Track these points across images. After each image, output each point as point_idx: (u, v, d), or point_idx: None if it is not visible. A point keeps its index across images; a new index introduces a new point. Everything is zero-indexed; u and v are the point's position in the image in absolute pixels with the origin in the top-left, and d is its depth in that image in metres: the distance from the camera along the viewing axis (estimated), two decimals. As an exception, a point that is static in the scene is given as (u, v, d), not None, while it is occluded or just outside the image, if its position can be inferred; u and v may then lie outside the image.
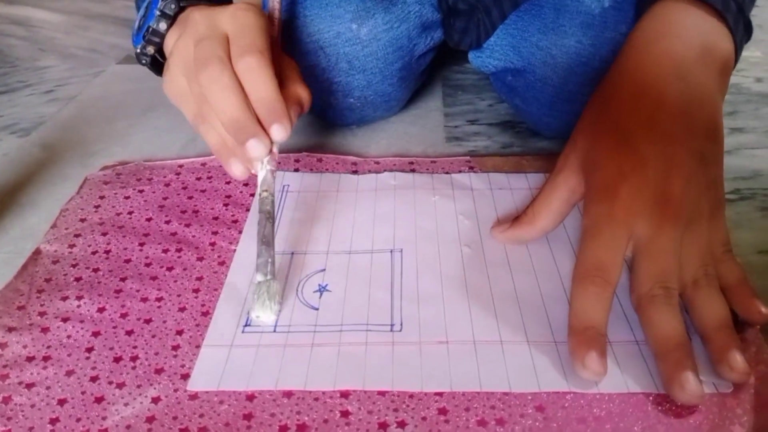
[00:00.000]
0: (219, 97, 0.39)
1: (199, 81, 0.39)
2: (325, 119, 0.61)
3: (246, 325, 0.39)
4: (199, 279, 0.43)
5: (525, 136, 0.60)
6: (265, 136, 0.40)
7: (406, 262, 0.43)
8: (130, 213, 0.49)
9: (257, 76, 0.39)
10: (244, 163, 0.42)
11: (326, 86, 0.56)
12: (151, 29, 0.45)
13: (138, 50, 0.47)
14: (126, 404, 0.34)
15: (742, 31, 0.41)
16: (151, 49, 0.46)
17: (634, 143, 0.37)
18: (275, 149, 0.42)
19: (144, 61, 0.47)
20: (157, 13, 0.44)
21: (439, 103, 0.67)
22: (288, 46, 0.54)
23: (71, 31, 0.93)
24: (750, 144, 0.58)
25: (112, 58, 0.83)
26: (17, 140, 0.63)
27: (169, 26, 0.45)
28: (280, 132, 0.40)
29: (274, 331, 0.38)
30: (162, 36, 0.45)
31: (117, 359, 0.37)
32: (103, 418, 0.33)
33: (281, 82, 0.42)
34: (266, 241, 0.40)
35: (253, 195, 0.51)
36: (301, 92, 0.44)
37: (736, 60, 0.42)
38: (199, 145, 0.60)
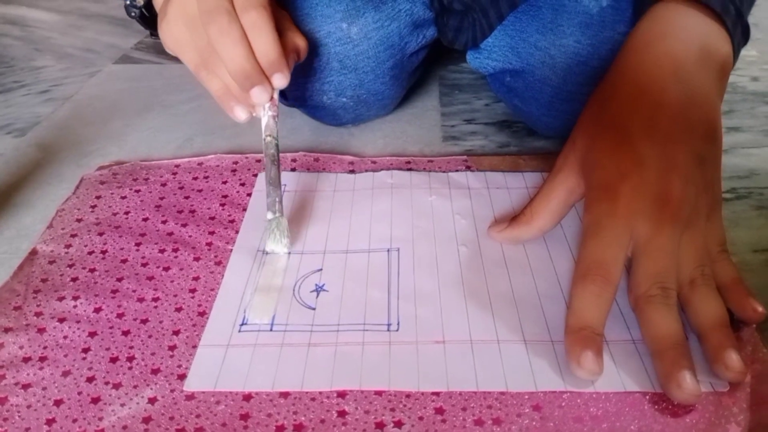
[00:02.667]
0: (229, 49, 0.41)
1: (208, 32, 0.41)
2: (319, 119, 0.61)
3: (242, 324, 0.39)
4: (196, 279, 0.43)
5: (522, 135, 0.60)
6: (268, 84, 0.43)
7: (403, 262, 0.43)
8: (126, 213, 0.49)
9: (260, 31, 0.41)
10: (246, 107, 0.45)
11: (318, 86, 0.55)
12: None
13: (127, 2, 0.47)
14: (122, 405, 0.34)
15: (740, 35, 0.42)
16: (140, 1, 0.47)
17: (633, 143, 0.37)
18: (276, 96, 0.45)
19: (133, 14, 0.48)
20: None
21: (436, 102, 0.67)
22: None
23: (67, 30, 0.93)
24: (746, 143, 0.58)
25: (107, 57, 0.83)
26: (13, 140, 0.63)
27: None
28: (281, 80, 0.43)
29: (271, 330, 0.38)
30: None
31: (113, 359, 0.37)
32: (100, 419, 0.33)
33: (279, 31, 0.44)
34: (273, 182, 0.44)
35: (250, 195, 0.51)
36: (299, 41, 0.47)
37: (733, 63, 0.42)
38: (195, 144, 0.60)
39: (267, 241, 0.44)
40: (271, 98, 0.44)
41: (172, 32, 0.44)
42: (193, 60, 0.45)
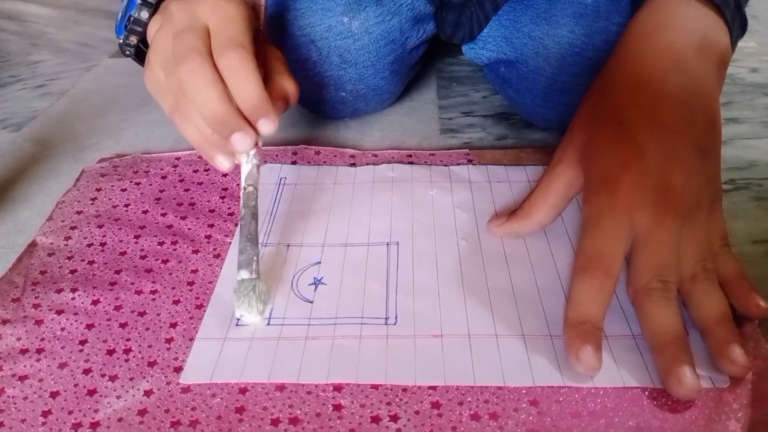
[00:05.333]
0: (199, 92, 0.37)
1: (178, 75, 0.37)
2: (317, 113, 0.61)
3: (239, 319, 0.39)
4: (194, 272, 0.42)
5: (519, 127, 0.60)
6: (250, 130, 0.39)
7: (402, 255, 0.43)
8: (126, 205, 0.49)
9: (240, 73, 0.37)
10: (228, 156, 0.41)
11: (318, 80, 0.55)
12: (132, 18, 0.44)
13: (121, 41, 0.45)
14: (118, 397, 0.34)
15: (738, 27, 0.41)
16: (134, 39, 0.45)
17: (634, 134, 0.37)
18: (260, 143, 0.41)
19: (128, 52, 0.46)
20: (139, 1, 0.43)
21: (434, 95, 0.67)
22: (279, 39, 0.54)
23: (63, 25, 0.93)
24: (745, 134, 0.58)
25: (104, 52, 0.83)
26: (9, 135, 0.63)
27: (151, 15, 0.43)
28: (267, 126, 0.39)
29: (269, 324, 0.38)
30: (144, 25, 0.44)
31: (110, 352, 0.37)
32: (95, 411, 0.33)
33: (267, 74, 0.41)
34: (251, 238, 0.39)
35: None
36: (288, 86, 0.43)
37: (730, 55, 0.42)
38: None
39: (238, 305, 0.37)
40: (256, 145, 0.40)
41: (150, 77, 0.41)
42: (168, 104, 0.41)
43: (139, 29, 0.44)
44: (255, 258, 0.38)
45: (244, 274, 0.38)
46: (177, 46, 0.38)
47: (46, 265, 0.43)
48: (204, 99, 0.37)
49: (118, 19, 0.47)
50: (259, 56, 0.40)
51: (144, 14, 0.44)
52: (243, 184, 0.41)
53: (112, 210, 0.49)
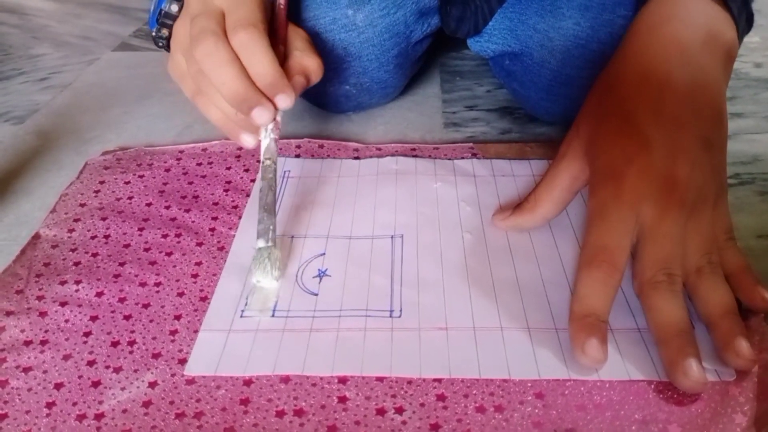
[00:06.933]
0: (217, 72, 0.38)
1: (195, 57, 0.39)
2: (321, 107, 0.61)
3: (244, 310, 0.38)
4: (198, 264, 0.42)
5: (523, 121, 0.60)
6: (269, 104, 0.40)
7: (406, 248, 0.43)
8: (130, 198, 0.49)
9: (253, 51, 0.39)
10: (252, 133, 0.42)
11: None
12: (163, 12, 0.45)
13: (153, 34, 0.47)
14: (123, 388, 0.34)
15: (744, 21, 0.41)
16: (165, 32, 0.46)
17: (639, 126, 0.37)
18: (278, 118, 0.42)
19: (161, 44, 0.47)
20: None
21: (437, 89, 0.67)
22: None
23: (65, 18, 0.93)
24: (749, 129, 0.58)
25: (106, 45, 0.83)
26: (11, 128, 0.63)
27: (181, 8, 0.45)
28: (284, 101, 0.40)
29: (273, 315, 0.38)
30: (174, 18, 0.45)
31: (114, 344, 0.37)
32: (100, 402, 0.33)
33: (289, 52, 0.43)
34: (268, 208, 0.41)
35: (254, 181, 0.50)
36: (309, 62, 0.44)
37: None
38: (194, 131, 0.60)
39: (255, 270, 0.40)
40: (275, 119, 0.41)
41: (172, 64, 0.43)
42: (190, 88, 0.43)
43: (169, 22, 0.45)
44: (271, 227, 0.41)
45: (261, 243, 0.40)
46: (193, 30, 0.39)
47: (50, 257, 0.43)
48: (223, 78, 0.38)
49: (150, 12, 0.48)
50: (280, 35, 0.42)
51: (174, 7, 0.45)
52: (262, 158, 0.42)
53: (115, 202, 0.49)
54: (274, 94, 0.40)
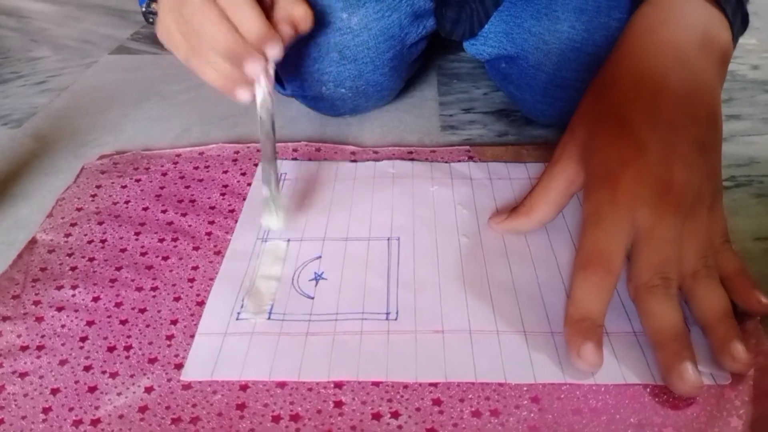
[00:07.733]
0: (209, 28, 0.39)
1: (185, 17, 0.40)
2: (317, 110, 0.61)
3: (240, 313, 0.38)
4: (195, 269, 0.42)
5: (520, 124, 0.60)
6: (259, 55, 0.40)
7: (403, 251, 0.43)
8: (126, 202, 0.49)
9: (237, 7, 0.40)
10: (246, 87, 0.43)
11: (317, 77, 0.55)
12: None
13: (143, 9, 0.47)
14: (119, 394, 0.34)
15: (739, 23, 0.41)
16: (155, 6, 0.46)
17: (635, 130, 0.37)
18: (271, 70, 0.42)
19: (151, 20, 0.47)
20: None
21: (434, 91, 0.67)
22: None
23: (63, 22, 0.93)
24: (746, 131, 0.58)
25: (104, 48, 0.83)
26: (9, 131, 0.63)
27: None
28: (273, 50, 0.41)
29: (269, 318, 0.38)
30: None
31: (111, 349, 0.37)
32: (96, 408, 0.33)
33: (273, 3, 0.43)
34: (268, 157, 0.43)
35: (250, 184, 0.50)
36: (295, 11, 0.44)
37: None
38: (192, 134, 0.60)
39: (263, 215, 0.44)
40: (266, 71, 0.42)
41: (161, 30, 0.43)
42: (182, 49, 0.43)
43: None
44: (273, 175, 0.43)
45: (265, 191, 0.43)
46: None
47: (47, 262, 0.43)
48: (214, 34, 0.40)
49: None
50: None
51: None
52: (258, 112, 0.43)
53: (112, 207, 0.49)
54: (263, 45, 0.41)
